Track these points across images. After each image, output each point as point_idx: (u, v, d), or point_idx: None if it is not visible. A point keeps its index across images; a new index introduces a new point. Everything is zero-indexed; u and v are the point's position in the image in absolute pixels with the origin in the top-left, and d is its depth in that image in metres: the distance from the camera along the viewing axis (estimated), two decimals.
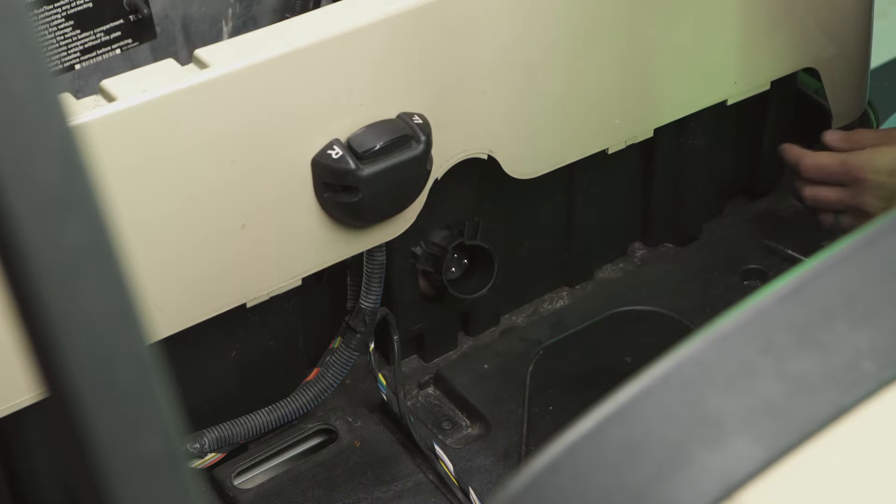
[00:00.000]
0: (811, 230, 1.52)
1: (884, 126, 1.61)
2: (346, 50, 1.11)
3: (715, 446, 0.55)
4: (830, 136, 1.28)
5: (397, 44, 1.14)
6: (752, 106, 1.48)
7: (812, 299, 0.59)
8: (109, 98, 1.03)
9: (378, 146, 1.14)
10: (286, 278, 1.19)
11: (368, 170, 1.13)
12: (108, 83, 1.04)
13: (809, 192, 1.26)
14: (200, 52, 1.08)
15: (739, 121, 1.50)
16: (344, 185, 1.14)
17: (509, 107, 1.24)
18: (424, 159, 1.17)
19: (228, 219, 1.12)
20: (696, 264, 1.47)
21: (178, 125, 1.06)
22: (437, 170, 1.22)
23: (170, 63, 1.08)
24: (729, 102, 1.41)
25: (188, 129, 1.07)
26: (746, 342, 0.58)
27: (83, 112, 1.01)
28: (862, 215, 1.20)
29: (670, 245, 1.53)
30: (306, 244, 1.18)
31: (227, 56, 1.08)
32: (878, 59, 2.22)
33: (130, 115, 1.03)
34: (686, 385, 0.57)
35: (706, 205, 1.52)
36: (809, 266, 0.60)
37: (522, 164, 1.29)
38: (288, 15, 1.31)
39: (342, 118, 1.14)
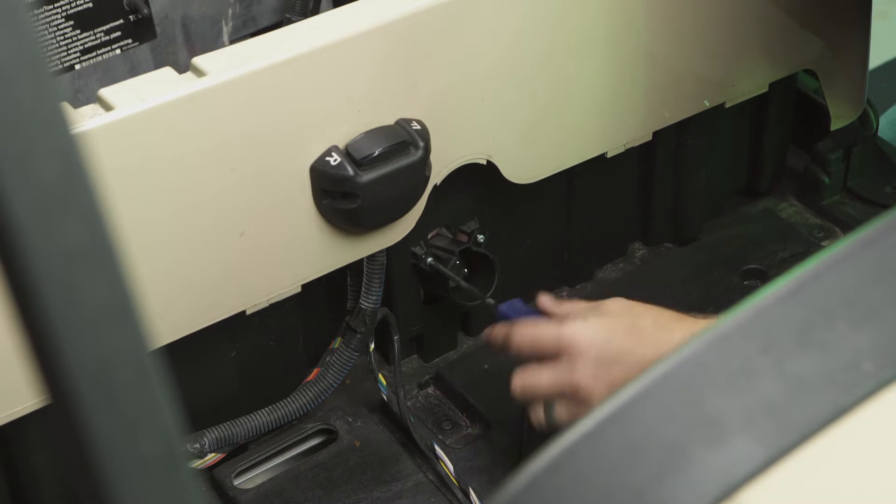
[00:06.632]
0: (811, 230, 1.53)
1: (883, 117, 1.61)
2: (344, 56, 1.11)
3: (715, 446, 0.55)
4: (543, 300, 1.19)
5: (395, 50, 1.14)
6: (752, 106, 1.48)
7: (812, 299, 0.59)
8: (107, 107, 1.03)
9: (376, 152, 1.14)
10: (286, 285, 1.19)
11: (367, 176, 1.13)
12: (105, 92, 1.04)
13: (519, 378, 1.12)
14: (198, 60, 1.08)
15: (739, 121, 1.50)
16: (342, 192, 1.14)
17: (508, 112, 1.24)
18: (423, 165, 1.17)
19: (227, 226, 1.12)
20: (696, 264, 1.47)
21: (176, 133, 1.06)
22: (436, 176, 1.22)
23: (168, 71, 1.08)
24: (727, 105, 1.41)
25: (186, 137, 1.07)
26: (746, 342, 0.58)
27: (81, 120, 1.01)
28: (576, 402, 1.08)
29: (670, 245, 1.53)
30: (305, 251, 1.18)
31: (224, 64, 1.07)
32: (877, 59, 2.22)
33: (128, 124, 1.03)
34: (686, 385, 0.57)
35: (706, 205, 1.52)
36: (809, 266, 0.60)
37: (521, 169, 1.29)
38: (288, 15, 1.31)
39: (340, 125, 1.14)
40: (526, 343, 1.13)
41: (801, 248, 1.48)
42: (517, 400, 1.14)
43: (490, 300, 1.27)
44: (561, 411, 1.11)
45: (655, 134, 1.38)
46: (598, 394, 1.07)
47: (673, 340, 1.05)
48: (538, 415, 1.13)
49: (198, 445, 1.23)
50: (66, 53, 1.26)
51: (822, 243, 1.50)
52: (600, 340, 1.08)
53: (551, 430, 1.11)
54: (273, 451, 1.29)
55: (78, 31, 1.26)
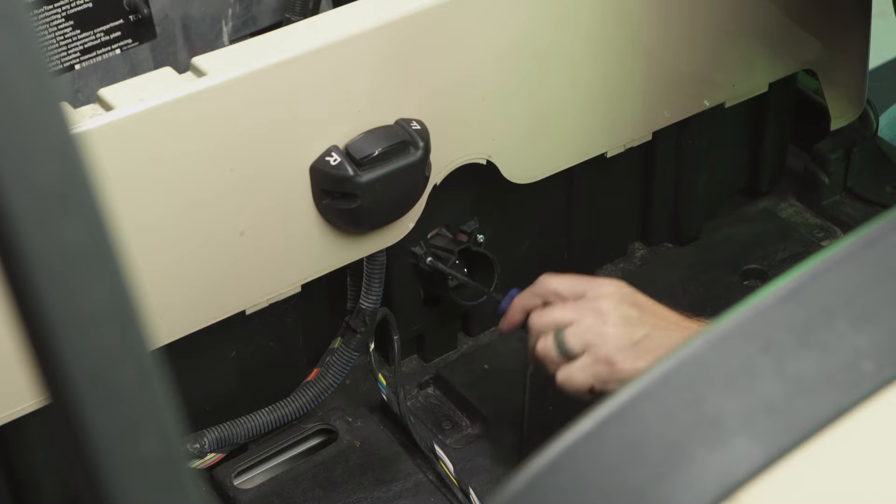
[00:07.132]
0: (811, 230, 1.53)
1: (882, 116, 1.61)
2: (343, 56, 1.11)
3: (715, 446, 0.55)
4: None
5: (395, 50, 1.14)
6: (752, 106, 1.48)
7: (812, 299, 0.59)
8: (107, 107, 1.03)
9: (376, 152, 1.14)
10: (285, 285, 1.19)
11: (367, 176, 1.13)
12: (105, 92, 1.04)
13: (536, 314, 1.16)
14: (198, 60, 1.08)
15: (739, 121, 1.50)
16: (342, 192, 1.14)
17: (507, 112, 1.24)
18: (423, 165, 1.17)
19: (227, 226, 1.12)
20: (696, 264, 1.47)
21: (176, 133, 1.06)
22: (436, 175, 1.22)
23: (167, 71, 1.08)
24: (727, 105, 1.41)
25: (186, 137, 1.07)
26: (746, 342, 0.58)
27: (81, 120, 1.01)
28: (595, 323, 1.12)
29: (670, 245, 1.53)
30: (305, 251, 1.18)
31: (224, 64, 1.07)
32: (877, 59, 2.22)
33: (128, 124, 1.03)
34: (686, 385, 0.57)
35: (706, 205, 1.52)
36: (809, 266, 0.60)
37: (521, 169, 1.29)
38: (288, 15, 1.31)
39: (340, 125, 1.14)
40: (550, 289, 1.17)
41: (801, 248, 1.48)
42: (526, 333, 1.17)
43: (494, 294, 1.27)
44: (571, 338, 1.12)
45: (655, 134, 1.38)
46: (615, 324, 1.11)
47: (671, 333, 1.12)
48: (545, 344, 1.14)
49: (198, 445, 1.22)
50: (66, 53, 1.26)
51: (822, 243, 1.50)
52: (624, 291, 1.14)
53: (555, 360, 1.13)
54: (273, 451, 1.29)
55: (78, 31, 1.26)
